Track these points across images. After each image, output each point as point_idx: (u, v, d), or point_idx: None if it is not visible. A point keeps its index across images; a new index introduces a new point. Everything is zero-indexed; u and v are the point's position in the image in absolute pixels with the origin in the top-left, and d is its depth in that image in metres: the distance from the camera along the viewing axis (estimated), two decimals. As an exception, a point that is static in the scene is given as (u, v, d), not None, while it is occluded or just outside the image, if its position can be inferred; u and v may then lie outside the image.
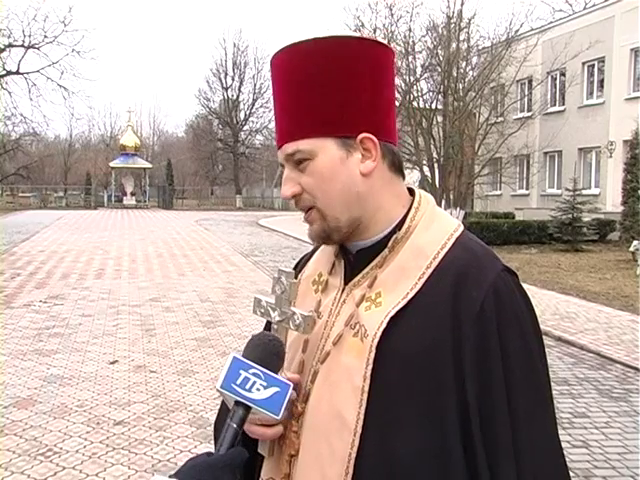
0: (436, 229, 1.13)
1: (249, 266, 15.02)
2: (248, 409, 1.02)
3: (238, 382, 1.02)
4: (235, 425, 1.01)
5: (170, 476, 0.94)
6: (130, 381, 6.28)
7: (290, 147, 1.10)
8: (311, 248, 1.36)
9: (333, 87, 1.08)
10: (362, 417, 1.04)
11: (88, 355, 7.17)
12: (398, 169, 1.15)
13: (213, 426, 1.34)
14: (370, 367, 1.05)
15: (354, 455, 1.04)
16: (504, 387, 1.02)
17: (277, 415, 1.03)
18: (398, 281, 1.09)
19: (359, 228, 1.13)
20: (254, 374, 1.03)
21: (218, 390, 1.04)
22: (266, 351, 1.07)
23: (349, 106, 1.09)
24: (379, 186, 1.12)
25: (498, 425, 1.01)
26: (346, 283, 1.16)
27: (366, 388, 1.05)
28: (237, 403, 1.02)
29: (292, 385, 1.05)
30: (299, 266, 1.32)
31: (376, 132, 1.11)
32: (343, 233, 1.13)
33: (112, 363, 6.87)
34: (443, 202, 21.63)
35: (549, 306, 10.06)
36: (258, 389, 1.02)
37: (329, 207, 1.10)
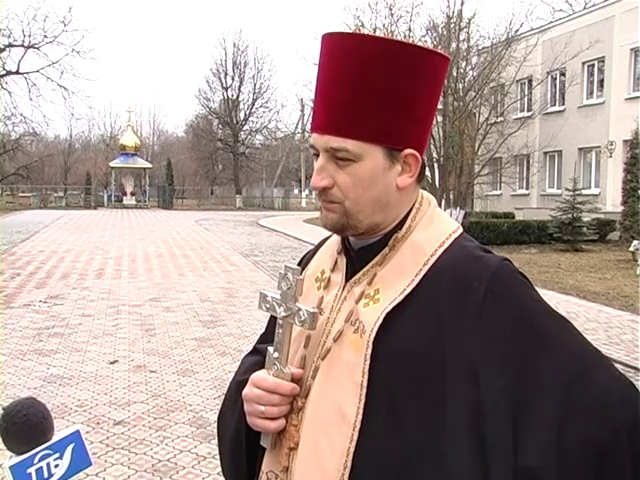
0: (435, 229, 1.14)
1: (249, 266, 15.02)
2: None
3: None
4: None
5: None
6: (130, 381, 6.28)
7: (336, 142, 1.08)
8: (312, 247, 1.37)
9: (398, 97, 1.07)
10: (361, 412, 1.05)
11: (88, 355, 7.17)
12: (421, 179, 1.17)
13: (217, 422, 1.35)
14: (368, 362, 1.06)
15: (353, 449, 1.05)
16: (533, 375, 1.01)
17: (90, 464, 0.99)
18: (396, 278, 1.11)
19: (374, 230, 1.15)
20: (41, 458, 0.95)
21: None
22: (27, 429, 0.97)
23: (406, 119, 1.09)
24: (405, 197, 1.15)
25: (535, 414, 0.99)
26: (347, 280, 1.18)
27: (365, 383, 1.06)
28: None
29: (80, 427, 1.00)
30: (303, 263, 1.33)
31: (419, 148, 1.12)
32: (358, 233, 1.14)
33: (112, 363, 6.87)
34: (443, 202, 21.63)
35: (549, 306, 10.05)
36: (57, 465, 0.96)
37: (356, 209, 1.11)
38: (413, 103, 1.09)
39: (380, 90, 1.06)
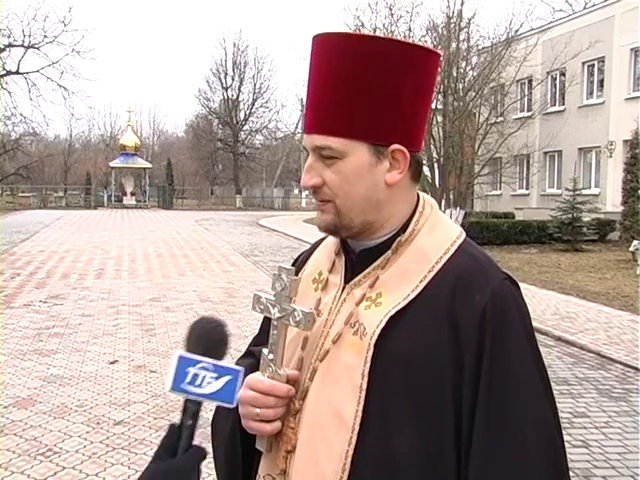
0: (439, 234, 1.14)
1: (249, 266, 15.02)
2: (200, 402, 1.03)
3: (187, 380, 1.01)
4: (190, 421, 1.01)
5: None
6: (130, 381, 6.28)
7: (319, 140, 1.08)
8: (309, 247, 1.37)
9: (378, 92, 1.07)
10: (360, 414, 1.05)
11: (88, 355, 7.17)
12: (417, 178, 1.16)
13: (210, 426, 1.34)
14: (368, 365, 1.06)
15: (351, 452, 1.05)
16: (501, 390, 1.02)
17: (231, 403, 1.03)
18: (399, 283, 1.10)
19: (369, 230, 1.14)
20: (202, 368, 1.01)
21: (168, 392, 1.02)
22: (210, 340, 1.05)
23: (389, 114, 1.08)
24: (398, 195, 1.13)
25: (490, 428, 1.01)
26: (347, 282, 1.17)
27: (364, 386, 1.05)
28: (188, 400, 1.02)
29: (242, 370, 1.05)
30: (297, 264, 1.32)
31: (408, 143, 1.11)
32: (352, 232, 1.14)
33: (112, 363, 6.87)
34: (443, 202, 21.62)
35: (549, 306, 10.05)
36: (209, 382, 1.01)
37: (347, 207, 1.10)
38: (396, 98, 1.08)
39: (360, 86, 1.06)
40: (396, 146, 1.09)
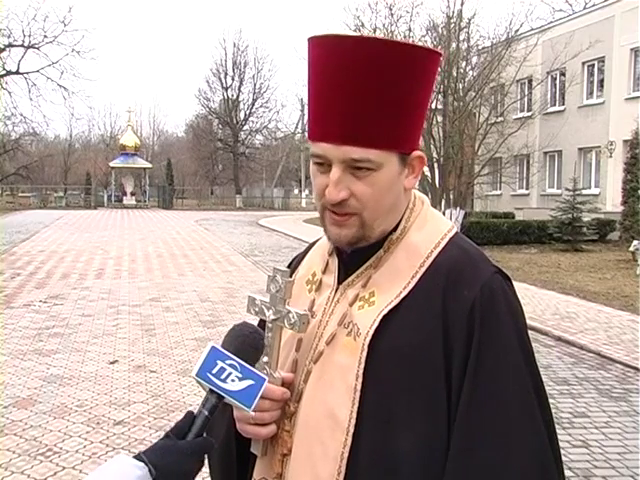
0: (429, 229, 1.14)
1: (249, 266, 15.02)
2: (221, 398, 1.04)
3: (214, 372, 1.03)
4: (207, 412, 1.03)
5: (139, 454, 0.96)
6: (130, 381, 6.28)
7: (358, 153, 1.03)
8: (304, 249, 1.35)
9: (408, 101, 1.06)
10: (355, 416, 1.04)
11: (88, 355, 7.17)
12: None
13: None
14: (362, 366, 1.05)
15: (347, 454, 1.04)
16: (487, 383, 1.02)
17: (249, 408, 1.03)
18: (392, 281, 1.10)
19: (381, 235, 1.13)
20: (230, 365, 1.04)
21: (193, 377, 1.05)
22: (245, 343, 1.07)
23: (414, 123, 1.09)
24: (406, 198, 1.14)
25: (473, 423, 1.01)
26: (340, 282, 1.16)
27: (359, 387, 1.05)
28: (211, 391, 1.04)
29: (267, 379, 1.05)
30: (292, 265, 1.31)
31: (418, 146, 1.12)
32: (370, 242, 1.12)
33: (112, 363, 6.87)
34: (443, 202, 21.62)
35: (549, 306, 10.05)
36: (233, 380, 1.03)
37: (373, 218, 1.08)
38: (421, 106, 1.09)
39: (394, 96, 1.04)
40: (417, 153, 1.10)
